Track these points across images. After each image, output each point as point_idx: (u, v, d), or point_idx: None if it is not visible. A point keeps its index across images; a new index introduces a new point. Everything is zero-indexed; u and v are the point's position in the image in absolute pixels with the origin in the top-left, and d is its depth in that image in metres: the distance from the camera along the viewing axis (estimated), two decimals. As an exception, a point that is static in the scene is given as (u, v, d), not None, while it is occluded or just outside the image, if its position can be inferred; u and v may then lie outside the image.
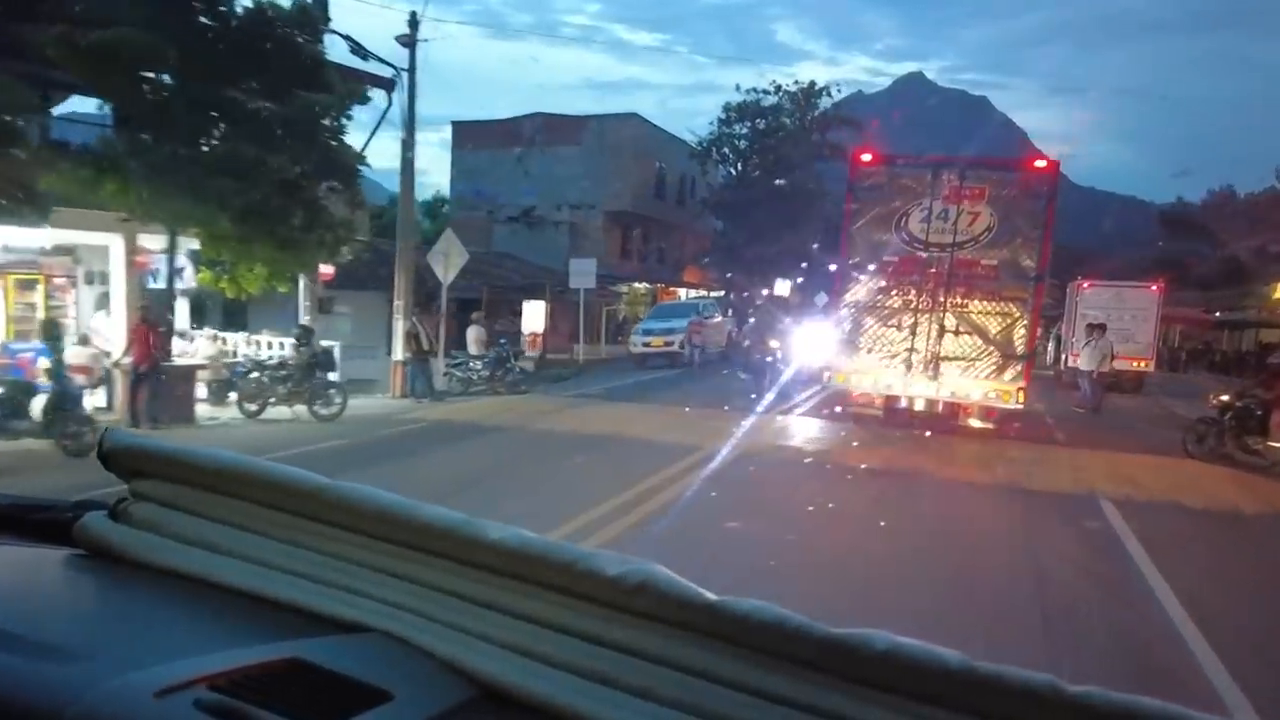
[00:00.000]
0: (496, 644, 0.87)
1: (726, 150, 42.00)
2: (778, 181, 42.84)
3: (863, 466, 11.60)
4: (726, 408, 16.41)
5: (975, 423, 14.53)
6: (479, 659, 0.85)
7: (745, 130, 41.90)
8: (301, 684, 0.79)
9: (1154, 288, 23.81)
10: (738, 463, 11.34)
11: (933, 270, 13.91)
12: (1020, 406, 14.22)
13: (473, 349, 18.82)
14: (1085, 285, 24.04)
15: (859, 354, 14.33)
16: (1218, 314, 40.04)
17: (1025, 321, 13.76)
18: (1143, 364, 23.30)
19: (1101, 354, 18.63)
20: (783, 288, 54.42)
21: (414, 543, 0.95)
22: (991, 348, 13.82)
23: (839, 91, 43.16)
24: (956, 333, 13.92)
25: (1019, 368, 13.86)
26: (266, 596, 0.97)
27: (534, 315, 30.59)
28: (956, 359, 13.93)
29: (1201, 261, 45.40)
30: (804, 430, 15.07)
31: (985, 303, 13.84)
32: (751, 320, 20.07)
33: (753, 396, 18.01)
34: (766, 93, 41.65)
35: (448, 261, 18.32)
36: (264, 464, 1.05)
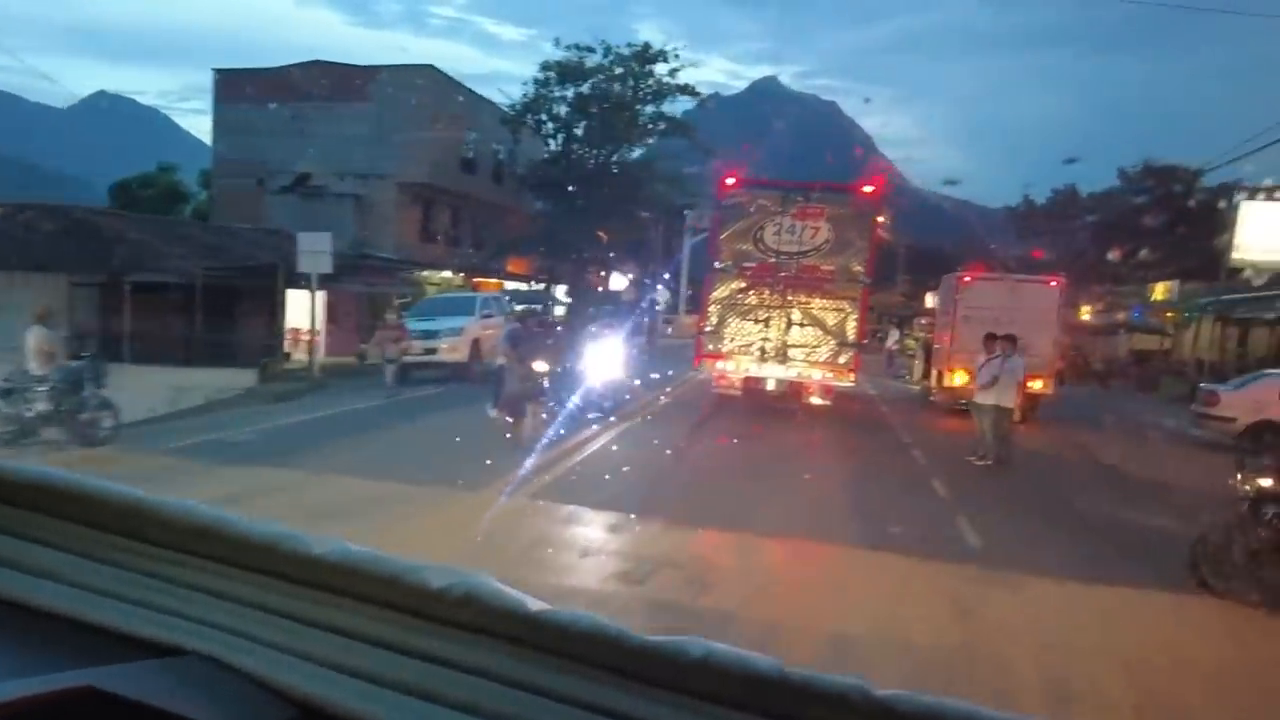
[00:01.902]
0: (318, 662, 0.81)
1: (544, 117, 34.89)
2: (605, 156, 36.18)
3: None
4: (434, 479, 9.37)
5: (816, 400, 16.35)
6: (298, 679, 0.79)
7: (568, 95, 34.89)
8: (97, 716, 0.73)
9: (1053, 282, 18.14)
10: None
11: (783, 274, 16.31)
12: (852, 385, 16.96)
13: (33, 364, 11.11)
14: (969, 279, 18.16)
15: (724, 343, 16.46)
16: (1088, 318, 35.63)
17: (855, 316, 16.39)
18: (1041, 383, 17.58)
19: (1013, 379, 12.50)
20: (619, 282, 47.98)
21: (232, 558, 0.90)
22: (829, 337, 16.17)
23: (677, 58, 36.69)
24: (801, 325, 16.27)
25: (851, 353, 16.28)
26: (73, 618, 0.88)
27: (300, 308, 22.74)
28: (801, 347, 16.24)
29: (1069, 260, 41.17)
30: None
31: (824, 301, 16.27)
32: (512, 327, 13.09)
33: (503, 449, 11.25)
34: (590, 50, 34.77)
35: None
36: (68, 475, 0.97)
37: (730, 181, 16.88)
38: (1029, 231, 57.76)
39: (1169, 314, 28.97)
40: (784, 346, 16.17)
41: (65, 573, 0.92)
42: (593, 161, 36.25)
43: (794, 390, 16.43)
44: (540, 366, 11.71)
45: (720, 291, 16.56)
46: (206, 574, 0.90)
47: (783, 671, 0.72)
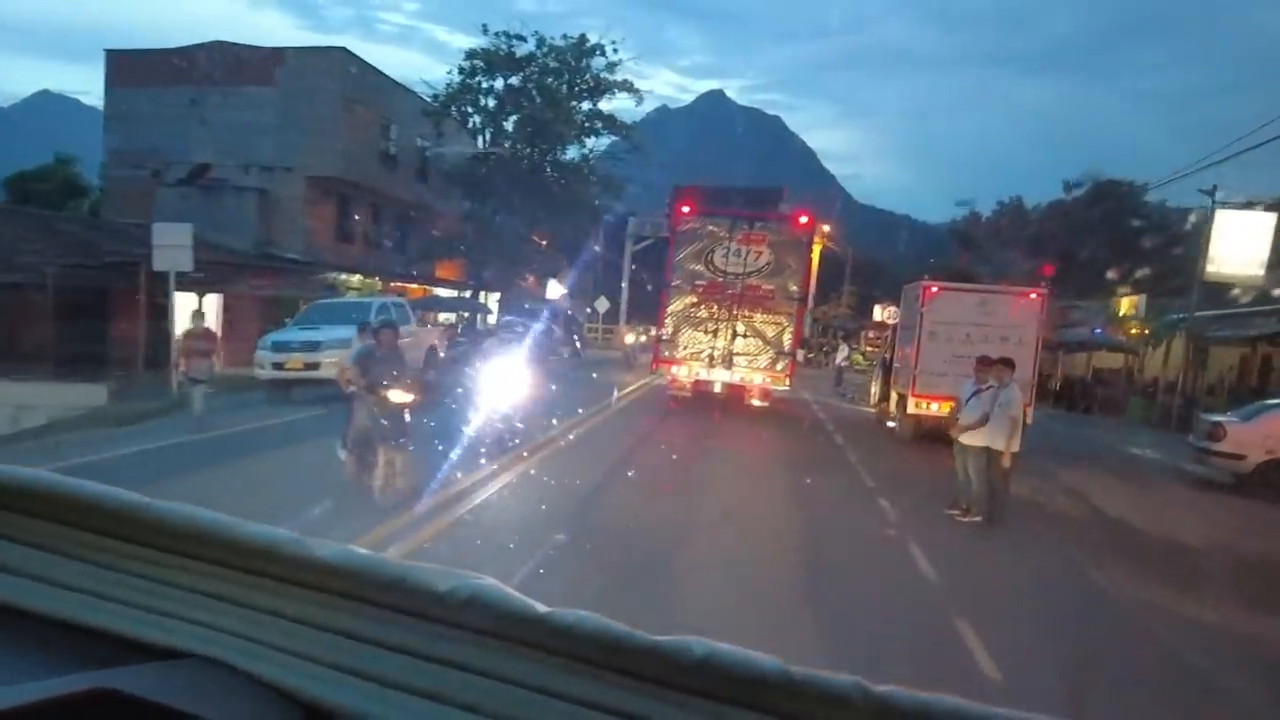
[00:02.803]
0: (323, 665, 0.81)
1: (470, 110, 31.80)
2: (539, 155, 33.22)
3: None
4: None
5: (756, 402, 18.37)
6: (304, 681, 0.79)
7: (497, 86, 31.88)
8: (110, 716, 0.72)
9: (1033, 294, 15.59)
10: None
11: (729, 292, 18.40)
12: (788, 389, 18.93)
13: None
14: (935, 289, 15.54)
15: (678, 351, 18.59)
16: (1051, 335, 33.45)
17: (791, 329, 18.58)
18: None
19: (1007, 415, 9.81)
20: (555, 290, 44.98)
21: (237, 563, 0.89)
22: (768, 347, 18.36)
23: (614, 51, 33.86)
24: (744, 336, 18.41)
25: (786, 361, 18.42)
26: (75, 623, 0.88)
27: (188, 312, 19.27)
28: (744, 354, 18.41)
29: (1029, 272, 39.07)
30: None
31: (764, 315, 18.45)
32: (363, 345, 9.96)
33: (343, 507, 8.36)
34: (521, 39, 31.78)
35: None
36: (74, 482, 0.95)
37: (685, 210, 19.08)
38: (975, 243, 56.13)
39: (1134, 330, 26.88)
40: (729, 354, 18.30)
41: (65, 578, 0.91)
42: (525, 160, 33.24)
43: (738, 392, 18.63)
44: (399, 397, 8.71)
45: (675, 306, 18.70)
46: (209, 578, 0.89)
47: (785, 670, 0.72)
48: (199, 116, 29.85)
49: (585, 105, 34.70)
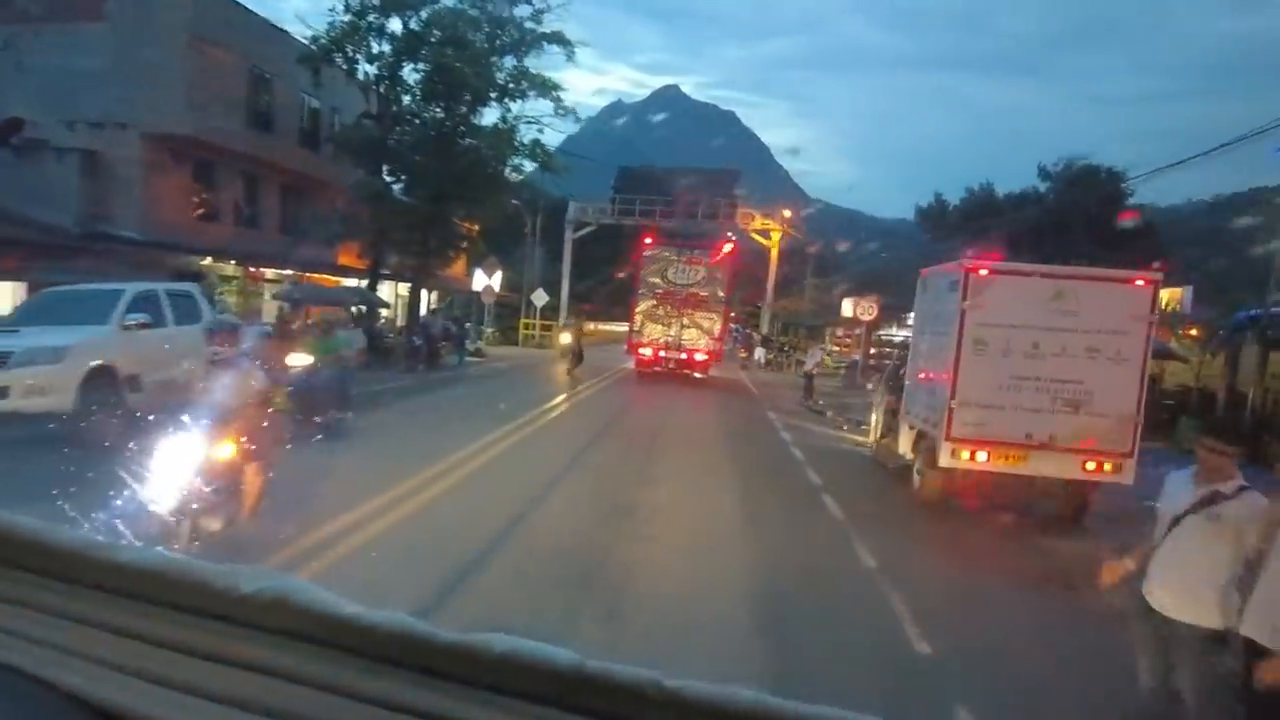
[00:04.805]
0: (118, 669, 0.78)
1: (360, 57, 25.34)
2: (452, 117, 26.86)
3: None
4: None
5: (698, 374, 26.31)
6: (104, 689, 0.76)
7: (394, 29, 25.45)
8: None
9: (1141, 280, 9.69)
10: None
11: (678, 297, 26.21)
12: (717, 360, 27.29)
13: None
14: (985, 272, 9.51)
15: (643, 338, 26.30)
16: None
17: (719, 323, 26.55)
18: (1110, 464, 9.21)
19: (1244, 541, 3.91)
20: (480, 280, 38.54)
21: (35, 566, 0.86)
22: (704, 335, 26.17)
23: None
24: (687, 328, 26.05)
25: (717, 343, 26.59)
26: None
27: None
28: (688, 339, 26.07)
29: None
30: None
31: (701, 313, 26.16)
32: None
33: None
34: (423, -30, 25.34)
35: None
36: None
37: (648, 241, 27.31)
38: (944, 233, 50.76)
39: (1193, 331, 21.28)
40: (679, 340, 26.06)
41: None
42: (432, 123, 26.88)
43: (684, 365, 26.09)
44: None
45: (642, 308, 26.43)
46: (7, 583, 0.86)
47: (579, 666, 0.72)
48: (10, 61, 23.12)
49: (509, 61, 28.41)
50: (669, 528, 8.62)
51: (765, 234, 43.69)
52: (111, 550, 0.84)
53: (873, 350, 31.49)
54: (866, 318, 30.03)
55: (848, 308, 38.64)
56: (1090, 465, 9.24)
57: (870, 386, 29.25)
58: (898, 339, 35.12)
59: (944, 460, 9.56)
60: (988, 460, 9.43)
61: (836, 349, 38.11)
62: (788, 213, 45.11)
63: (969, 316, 9.49)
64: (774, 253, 44.05)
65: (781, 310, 49.09)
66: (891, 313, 41.21)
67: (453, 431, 12.42)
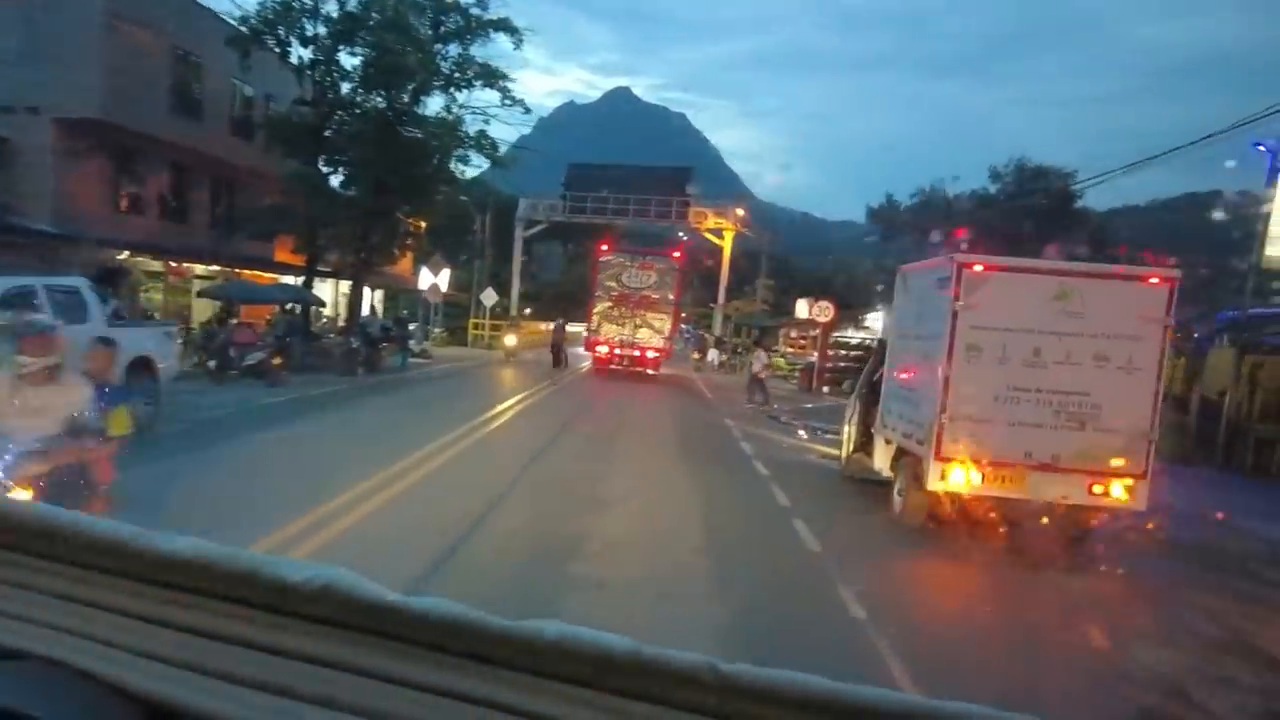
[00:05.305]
0: (166, 662, 0.77)
1: (294, 39, 23.65)
2: (393, 106, 25.30)
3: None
4: None
5: (650, 370, 28.01)
6: (145, 680, 0.74)
7: (330, 11, 23.80)
8: None
9: (1155, 278, 8.66)
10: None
11: (632, 299, 27.92)
12: (667, 357, 29.09)
13: None
14: (980, 268, 8.40)
15: (600, 336, 28.16)
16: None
17: (669, 322, 28.38)
18: (1123, 486, 8.15)
19: None
20: (426, 279, 36.84)
21: (77, 559, 0.84)
22: (656, 334, 27.95)
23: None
24: (640, 327, 27.82)
25: (667, 342, 28.47)
26: None
27: None
28: (642, 338, 27.85)
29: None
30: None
31: (653, 314, 27.95)
32: None
33: None
34: (360, -55, 23.71)
35: None
36: None
37: (604, 248, 29.82)
38: (897, 232, 50.18)
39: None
40: (633, 338, 27.99)
41: None
42: (372, 111, 25.29)
43: (638, 362, 28.03)
44: None
45: (598, 309, 28.43)
46: (49, 575, 0.85)
47: (637, 651, 0.71)
48: (-92, 35, 21.09)
49: (454, 49, 26.91)
50: (621, 566, 7.34)
51: (718, 233, 42.64)
52: (156, 541, 0.81)
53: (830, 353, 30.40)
54: (823, 319, 29.00)
55: (803, 308, 37.69)
56: (1098, 488, 8.17)
57: (826, 390, 28.42)
58: (854, 341, 34.13)
59: (932, 483, 8.42)
60: (982, 483, 8.31)
61: (791, 350, 37.04)
62: (741, 211, 44.08)
63: (961, 318, 8.37)
64: (726, 252, 42.98)
65: (734, 311, 48.04)
66: (845, 313, 40.35)
67: (336, 466, 9.76)
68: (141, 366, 11.57)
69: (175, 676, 0.74)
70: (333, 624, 0.76)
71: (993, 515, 8.65)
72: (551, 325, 55.72)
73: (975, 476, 8.30)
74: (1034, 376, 8.21)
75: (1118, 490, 8.16)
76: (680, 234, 43.98)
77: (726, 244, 42.58)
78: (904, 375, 10.03)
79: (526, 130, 53.60)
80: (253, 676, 0.74)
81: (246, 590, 0.79)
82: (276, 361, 18.40)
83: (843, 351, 31.01)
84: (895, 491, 9.62)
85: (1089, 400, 8.16)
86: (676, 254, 30.26)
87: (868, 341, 33.18)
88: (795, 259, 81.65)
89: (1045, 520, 8.46)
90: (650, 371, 27.82)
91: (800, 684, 0.68)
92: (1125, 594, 7.86)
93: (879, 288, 44.30)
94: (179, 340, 12.99)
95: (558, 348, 31.32)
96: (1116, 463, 8.14)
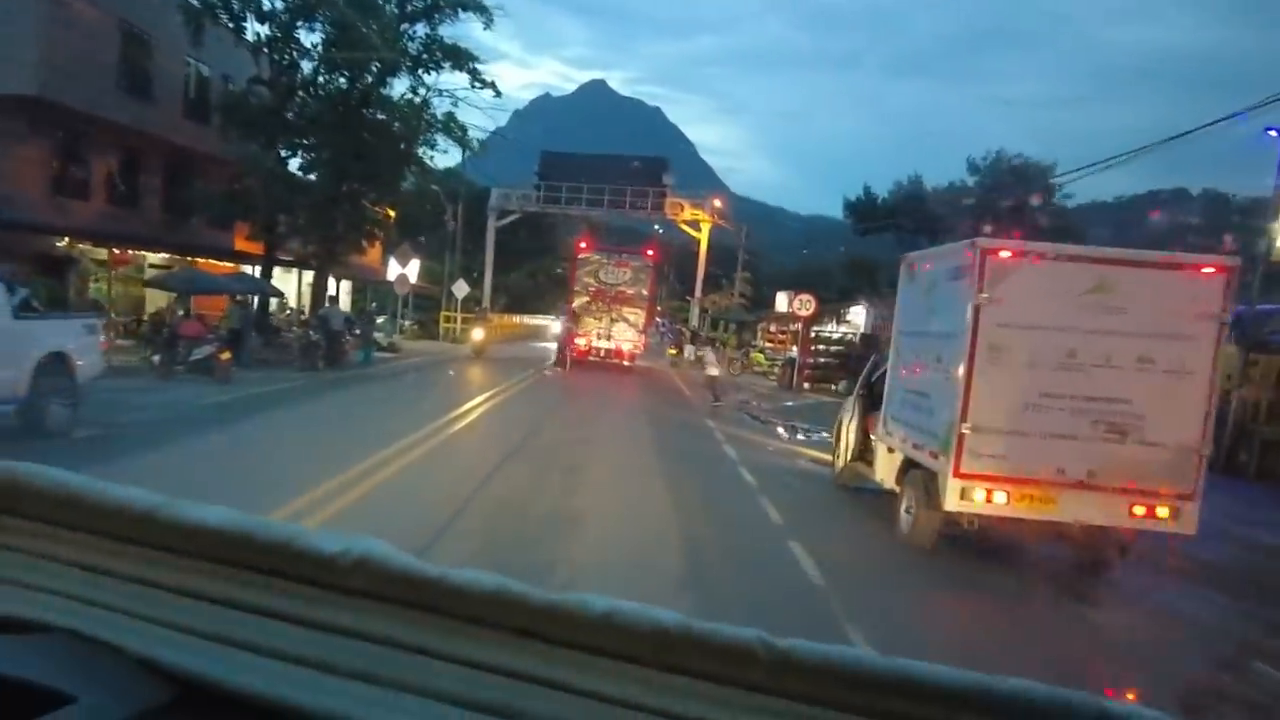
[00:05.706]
0: (198, 636, 0.74)
1: (248, 14, 22.18)
2: (356, 88, 23.89)
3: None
4: None
5: (626, 362, 29.03)
6: (177, 654, 0.72)
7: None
8: None
9: (1210, 268, 7.67)
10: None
11: (609, 295, 29.27)
12: (642, 350, 30.36)
13: None
14: (1006, 254, 7.29)
15: (579, 330, 28.85)
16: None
17: (644, 317, 30.01)
18: (1163, 509, 7.08)
19: None
20: (394, 269, 35.36)
21: (104, 529, 0.81)
22: (631, 328, 29.30)
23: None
24: (616, 321, 29.12)
25: (642, 335, 29.88)
26: None
27: None
28: (618, 331, 29.09)
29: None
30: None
31: (629, 309, 29.41)
32: None
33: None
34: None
35: None
36: None
37: (583, 246, 31.38)
38: (874, 226, 49.26)
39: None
40: (610, 332, 29.13)
41: None
42: (334, 92, 23.86)
43: (615, 354, 29.02)
44: None
45: (577, 304, 29.56)
46: (75, 546, 0.82)
47: (687, 625, 0.68)
48: None
49: (421, 29, 25.53)
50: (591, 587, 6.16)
51: (695, 225, 41.47)
52: (185, 510, 0.78)
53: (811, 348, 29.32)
54: (804, 313, 27.92)
55: (783, 301, 36.61)
56: (1139, 510, 7.09)
57: (808, 387, 27.37)
58: (835, 335, 33.07)
59: (951, 502, 7.31)
60: (1007, 503, 7.21)
61: (770, 345, 35.94)
62: (718, 203, 42.93)
63: (985, 314, 7.25)
64: (703, 244, 41.79)
65: (712, 305, 46.92)
66: (825, 307, 39.32)
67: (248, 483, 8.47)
68: (57, 363, 10.26)
69: (207, 650, 0.71)
70: (370, 596, 0.73)
71: (1018, 539, 7.56)
72: (527, 320, 54.18)
73: (1000, 496, 7.20)
74: (1067, 381, 7.11)
75: (1162, 512, 7.09)
76: (656, 226, 42.88)
77: (703, 236, 41.40)
78: (911, 378, 8.90)
79: (502, 120, 52.12)
80: (288, 650, 0.71)
81: (280, 562, 0.75)
82: (225, 356, 17.02)
83: (823, 347, 29.97)
84: (903, 509, 8.49)
85: (1130, 409, 7.07)
86: (650, 252, 31.78)
87: (849, 336, 32.16)
88: (769, 254, 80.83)
89: (1079, 545, 7.37)
90: (626, 363, 29.02)
91: (852, 659, 0.66)
92: (1178, 637, 6.79)
93: (860, 282, 43.50)
94: (102, 335, 11.56)
95: (563, 348, 29.51)
96: (1161, 481, 7.07)
